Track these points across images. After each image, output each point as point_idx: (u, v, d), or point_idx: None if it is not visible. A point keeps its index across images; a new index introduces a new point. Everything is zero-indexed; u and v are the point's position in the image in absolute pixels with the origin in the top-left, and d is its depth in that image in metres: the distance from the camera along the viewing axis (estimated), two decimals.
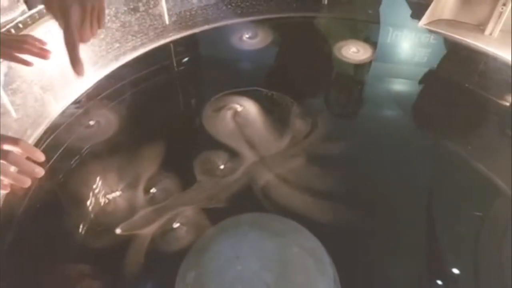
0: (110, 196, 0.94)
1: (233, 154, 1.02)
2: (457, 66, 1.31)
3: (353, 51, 1.35)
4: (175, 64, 1.35)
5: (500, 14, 1.25)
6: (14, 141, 0.76)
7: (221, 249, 0.80)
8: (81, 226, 0.89)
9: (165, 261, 0.83)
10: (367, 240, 0.86)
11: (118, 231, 0.87)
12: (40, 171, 0.79)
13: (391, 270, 0.81)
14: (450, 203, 0.93)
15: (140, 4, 1.27)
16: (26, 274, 0.80)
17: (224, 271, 0.76)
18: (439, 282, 0.80)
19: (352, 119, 1.23)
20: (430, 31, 1.38)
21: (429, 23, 1.38)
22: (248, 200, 0.93)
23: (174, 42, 1.39)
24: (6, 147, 0.75)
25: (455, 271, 0.81)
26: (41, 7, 1.07)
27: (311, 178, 0.97)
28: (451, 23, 1.38)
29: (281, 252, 0.79)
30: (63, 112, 1.11)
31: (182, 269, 0.78)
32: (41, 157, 0.80)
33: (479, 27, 1.33)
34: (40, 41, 0.94)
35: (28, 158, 0.79)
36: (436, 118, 1.16)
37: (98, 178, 0.98)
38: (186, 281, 0.76)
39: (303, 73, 1.33)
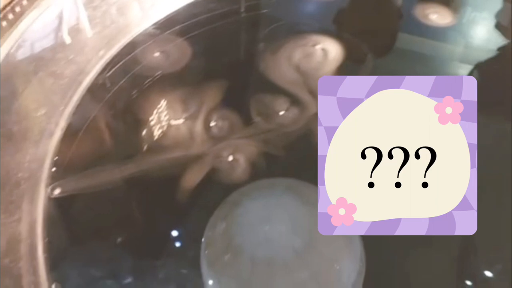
0: (170, 123, 0.98)
1: (295, 102, 1.02)
2: None
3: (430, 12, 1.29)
4: (242, 10, 1.34)
5: None
6: None
7: (254, 206, 0.79)
8: (142, 146, 0.94)
9: (203, 201, 0.86)
10: None
11: (175, 156, 0.91)
12: None
13: (420, 258, 0.78)
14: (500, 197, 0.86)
15: None
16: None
17: (253, 228, 0.76)
18: (468, 282, 0.77)
19: None
20: None
21: None
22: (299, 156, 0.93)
23: None
24: None
25: (488, 273, 0.77)
26: None
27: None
28: None
29: (312, 221, 0.76)
30: (137, 37, 1.14)
31: (213, 217, 0.79)
32: None
33: None
34: None
35: None
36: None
37: (161, 105, 1.02)
38: (216, 231, 0.77)
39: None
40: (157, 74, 1.08)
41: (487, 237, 0.79)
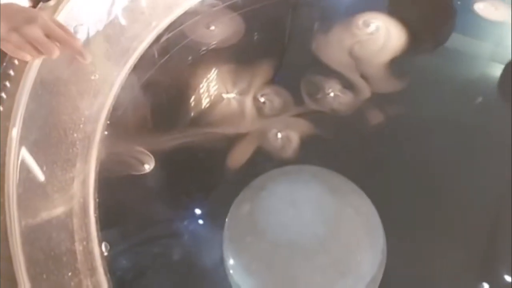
0: (221, 96, 0.98)
1: (347, 86, 1.00)
2: None
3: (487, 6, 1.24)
4: None
5: None
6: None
7: (280, 191, 0.79)
8: (191, 117, 0.95)
9: (236, 178, 0.86)
10: (425, 222, 0.81)
11: (225, 129, 0.92)
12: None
13: (441, 259, 0.76)
14: None
15: None
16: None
17: (278, 212, 0.76)
18: (486, 285, 0.74)
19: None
20: None
21: None
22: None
23: None
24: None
25: (508, 278, 0.74)
26: None
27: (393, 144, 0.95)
28: None
29: (336, 209, 0.77)
30: (191, 9, 1.14)
31: (237, 200, 0.79)
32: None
33: None
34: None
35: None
36: None
37: (212, 78, 1.02)
38: (240, 213, 0.78)
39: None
40: (210, 46, 1.08)
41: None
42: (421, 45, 1.17)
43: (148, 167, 0.84)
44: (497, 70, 1.12)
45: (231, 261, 0.73)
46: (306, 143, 0.90)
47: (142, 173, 0.83)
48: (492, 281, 0.75)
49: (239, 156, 0.87)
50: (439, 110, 0.99)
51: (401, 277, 0.75)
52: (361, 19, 1.15)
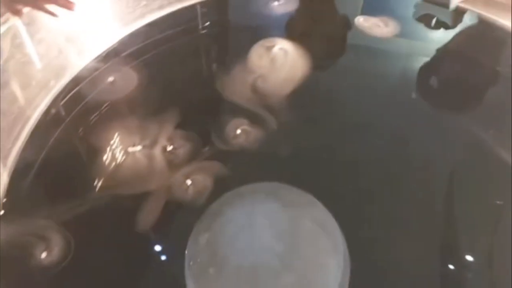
0: (128, 152, 0.95)
1: (251, 119, 1.00)
2: (488, 48, 1.26)
3: (376, 24, 1.30)
4: (200, 26, 1.33)
5: None
6: None
7: (235, 215, 0.79)
8: (97, 180, 0.91)
9: (179, 221, 0.85)
10: (381, 220, 0.85)
11: (134, 187, 0.88)
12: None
13: (403, 252, 0.79)
14: (468, 189, 0.90)
15: None
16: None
17: (236, 238, 0.76)
18: (451, 267, 0.79)
19: (371, 95, 1.17)
20: (463, 9, 1.32)
21: (464, 1, 1.33)
22: (266, 169, 0.92)
23: (201, 3, 1.36)
24: None
25: (469, 257, 0.79)
26: None
27: (329, 151, 0.97)
28: (488, 2, 1.32)
29: (294, 224, 0.78)
30: (87, 65, 1.12)
31: (195, 231, 0.79)
32: None
33: None
34: None
35: None
36: (464, 101, 1.12)
37: (117, 133, 0.99)
38: (199, 243, 0.77)
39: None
40: (111, 100, 1.05)
41: (464, 224, 0.84)
42: (323, 68, 1.21)
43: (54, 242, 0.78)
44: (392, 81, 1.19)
45: None
46: (219, 185, 0.88)
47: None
48: (457, 264, 0.79)
49: (148, 215, 0.83)
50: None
51: (368, 278, 0.76)
52: (261, 49, 1.17)
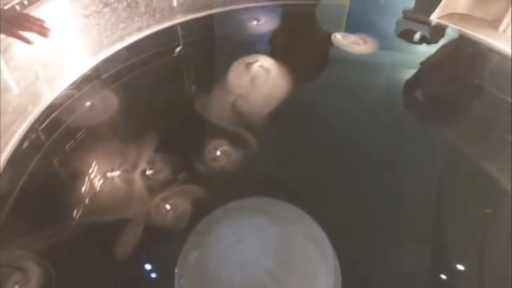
0: (107, 177, 0.93)
1: (232, 139, 1.00)
2: (466, 62, 1.27)
3: (354, 42, 1.32)
4: (179, 48, 1.33)
5: None
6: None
7: (224, 233, 0.79)
8: (77, 207, 0.89)
9: (167, 242, 0.83)
10: (370, 231, 0.85)
11: (113, 214, 0.87)
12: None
13: (393, 262, 0.80)
14: (456, 199, 0.91)
15: None
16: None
17: (225, 255, 0.76)
18: (442, 276, 0.79)
19: (354, 111, 1.19)
20: (442, 25, 1.34)
21: (441, 17, 1.35)
22: (248, 189, 0.91)
23: (181, 24, 1.37)
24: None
25: (460, 267, 0.80)
26: None
27: (313, 165, 0.97)
28: (465, 17, 1.34)
29: (283, 239, 0.78)
30: (63, 91, 1.10)
31: (184, 250, 0.78)
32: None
33: (493, 23, 1.29)
34: (40, 20, 0.94)
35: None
36: (442, 114, 1.13)
37: (96, 159, 0.97)
38: (188, 263, 0.76)
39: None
40: (89, 126, 1.04)
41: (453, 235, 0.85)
42: (304, 85, 1.21)
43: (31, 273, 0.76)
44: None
45: None
46: (200, 207, 0.87)
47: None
48: (448, 273, 0.79)
49: (128, 242, 0.82)
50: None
51: None
52: (241, 68, 1.17)
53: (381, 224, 0.86)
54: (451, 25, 1.32)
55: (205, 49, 1.37)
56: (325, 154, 1.00)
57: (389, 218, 0.87)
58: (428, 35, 1.37)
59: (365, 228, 0.85)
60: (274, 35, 1.38)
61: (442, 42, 1.34)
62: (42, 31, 0.92)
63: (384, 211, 0.88)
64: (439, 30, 1.35)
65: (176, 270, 0.75)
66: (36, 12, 1.01)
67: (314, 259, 0.76)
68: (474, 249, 0.82)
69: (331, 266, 0.75)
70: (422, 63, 1.29)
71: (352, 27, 1.40)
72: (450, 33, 1.33)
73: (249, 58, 1.20)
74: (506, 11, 1.24)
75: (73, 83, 1.13)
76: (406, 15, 1.42)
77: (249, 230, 0.79)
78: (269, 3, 1.47)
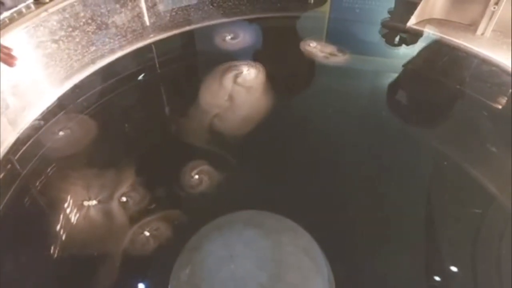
0: (84, 207, 0.90)
1: (210, 160, 0.97)
2: (446, 67, 1.27)
3: (331, 52, 1.31)
4: (153, 67, 1.31)
5: (493, 13, 1.21)
6: None
7: (215, 248, 0.78)
8: (55, 239, 0.85)
9: (158, 260, 0.81)
10: (362, 239, 0.84)
11: (91, 247, 0.83)
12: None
13: (386, 270, 0.79)
14: (445, 204, 0.91)
15: (118, 5, 1.23)
16: None
17: (218, 270, 0.75)
18: (437, 278, 0.79)
19: (339, 119, 1.17)
20: (419, 31, 1.33)
21: (418, 23, 1.34)
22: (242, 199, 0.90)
23: (155, 43, 1.35)
24: None
25: (453, 269, 0.79)
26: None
27: (300, 176, 0.95)
28: (442, 22, 1.33)
29: (275, 251, 0.77)
30: (35, 121, 1.07)
31: (176, 267, 0.77)
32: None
33: (471, 27, 1.28)
34: (7, 47, 0.90)
35: None
36: (424, 120, 1.13)
37: (72, 189, 0.94)
38: (180, 280, 0.75)
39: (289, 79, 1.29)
40: (63, 154, 1.01)
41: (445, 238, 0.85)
42: (284, 98, 1.19)
43: None
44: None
45: None
46: (181, 231, 0.84)
47: None
48: (441, 276, 0.79)
49: (107, 275, 0.79)
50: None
51: None
52: (216, 87, 1.15)
53: (373, 233, 0.85)
54: (428, 31, 1.31)
55: (181, 67, 1.35)
56: (311, 164, 0.99)
57: (381, 228, 0.86)
58: (406, 42, 1.36)
59: (358, 236, 0.84)
60: (251, 50, 1.37)
61: (420, 47, 1.33)
62: (7, 60, 0.89)
63: (376, 221, 0.87)
64: (416, 37, 1.34)
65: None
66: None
67: (307, 269, 0.75)
68: (463, 256, 0.82)
69: (325, 276, 0.74)
70: (401, 68, 1.28)
71: (331, 37, 1.39)
72: (428, 39, 1.32)
73: (226, 75, 1.18)
74: (482, 14, 1.23)
75: (44, 112, 1.10)
76: (383, 23, 1.41)
77: (240, 244, 0.78)
78: (245, 17, 1.45)
